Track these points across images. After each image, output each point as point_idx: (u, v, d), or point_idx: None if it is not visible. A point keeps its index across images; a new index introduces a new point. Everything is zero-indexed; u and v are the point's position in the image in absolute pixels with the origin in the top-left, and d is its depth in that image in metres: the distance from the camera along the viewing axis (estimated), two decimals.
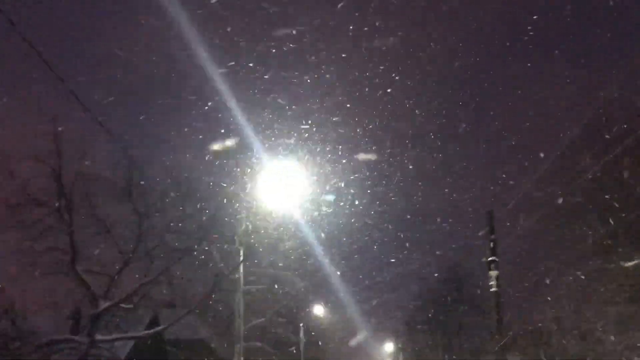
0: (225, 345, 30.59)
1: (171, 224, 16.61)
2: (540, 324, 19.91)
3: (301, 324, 40.52)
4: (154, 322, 33.21)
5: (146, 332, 15.84)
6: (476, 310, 48.46)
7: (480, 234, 22.20)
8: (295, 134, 23.09)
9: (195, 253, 16.70)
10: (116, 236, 16.06)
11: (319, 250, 30.07)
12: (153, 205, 16.58)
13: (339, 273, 39.09)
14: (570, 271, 19.62)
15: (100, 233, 15.73)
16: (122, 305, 15.65)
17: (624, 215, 18.18)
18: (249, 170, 22.59)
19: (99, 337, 14.88)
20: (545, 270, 21.73)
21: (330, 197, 23.01)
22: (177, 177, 16.82)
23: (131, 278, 16.38)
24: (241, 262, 20.28)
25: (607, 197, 18.42)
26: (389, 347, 61.21)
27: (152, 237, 16.61)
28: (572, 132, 19.34)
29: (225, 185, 20.61)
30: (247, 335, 25.11)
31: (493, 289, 20.43)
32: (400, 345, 56.90)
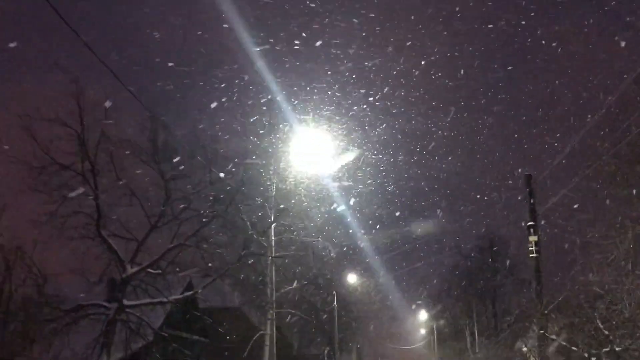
0: (258, 313, 30.30)
1: (198, 188, 15.91)
2: (581, 290, 18.75)
3: (334, 292, 40.02)
4: (188, 290, 33.19)
5: (174, 297, 15.35)
6: (512, 279, 47.52)
7: (519, 198, 21.19)
8: (328, 103, 22.22)
9: (224, 217, 15.98)
10: (142, 200, 15.50)
11: (350, 217, 29.34)
12: (180, 169, 15.91)
13: (370, 240, 38.33)
14: (615, 236, 18.38)
15: (126, 197, 15.16)
16: (150, 270, 15.13)
17: None
18: (280, 134, 21.87)
19: (126, 302, 14.42)
20: (588, 236, 20.52)
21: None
22: (204, 139, 16.08)
23: (159, 243, 15.86)
24: (271, 224, 19.67)
25: None
26: (422, 315, 60.50)
27: (179, 202, 15.98)
28: (617, 90, 17.89)
29: (255, 149, 19.94)
30: (279, 302, 24.66)
31: (533, 255, 19.42)
32: (434, 313, 56.11)
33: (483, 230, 46.19)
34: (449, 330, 53.91)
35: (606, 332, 13.06)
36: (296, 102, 22.88)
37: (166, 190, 15.52)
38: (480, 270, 49.12)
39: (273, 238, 21.53)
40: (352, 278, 42.95)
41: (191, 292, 15.32)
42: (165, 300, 15.13)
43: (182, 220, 15.56)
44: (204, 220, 15.63)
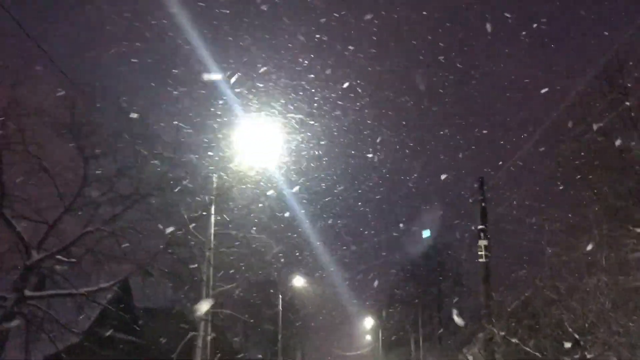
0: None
1: (122, 169, 13.82)
2: (530, 297, 17.45)
3: (279, 295, 38.05)
4: (123, 288, 30.76)
5: (87, 289, 13.15)
6: (458, 287, 46.62)
7: (470, 200, 19.92)
8: (278, 91, 20.49)
9: (149, 202, 13.91)
10: (57, 179, 13.28)
11: (298, 214, 27.51)
12: (102, 146, 13.79)
13: (319, 241, 36.49)
14: (571, 241, 17.12)
15: (36, 173, 12.92)
16: (60, 258, 12.92)
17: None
18: (221, 119, 20.01)
19: (28, 292, 12.19)
20: (544, 240, 19.26)
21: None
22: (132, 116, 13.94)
23: (78, 230, 13.66)
24: (210, 213, 17.74)
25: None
26: (369, 321, 59.07)
27: (99, 183, 13.85)
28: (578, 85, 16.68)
29: (190, 130, 17.97)
30: (219, 302, 22.59)
31: (482, 260, 18.08)
32: (380, 320, 54.74)
33: (434, 236, 45.08)
34: (394, 336, 52.61)
35: (576, 336, 11.64)
36: (241, 90, 21.13)
37: (85, 169, 13.37)
38: (427, 277, 48.16)
39: (212, 230, 19.57)
40: (298, 281, 41.06)
41: (107, 285, 13.13)
42: (74, 292, 12.92)
43: (100, 203, 13.40)
44: (125, 205, 13.50)
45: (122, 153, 14.05)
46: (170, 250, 14.30)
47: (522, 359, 13.74)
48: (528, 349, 12.98)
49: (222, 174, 19.13)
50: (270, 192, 21.31)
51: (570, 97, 15.92)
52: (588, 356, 10.54)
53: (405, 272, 50.22)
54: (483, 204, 18.62)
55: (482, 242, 18.12)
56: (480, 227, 18.26)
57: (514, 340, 13.25)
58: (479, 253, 18.17)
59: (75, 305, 13.15)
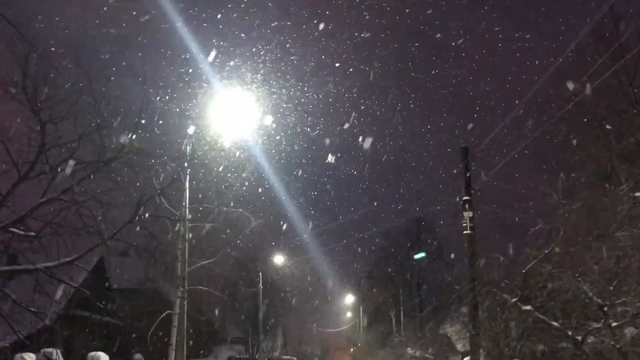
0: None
1: (84, 134, 12.40)
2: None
3: (259, 272, 36.95)
4: (99, 267, 29.39)
5: (44, 264, 11.73)
6: (438, 263, 46.02)
7: (454, 172, 18.90)
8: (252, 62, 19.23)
9: (114, 170, 12.52)
10: (10, 145, 11.84)
11: (277, 186, 26.32)
12: (61, 109, 12.33)
13: (299, 212, 35.32)
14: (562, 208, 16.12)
15: None
16: (14, 230, 11.53)
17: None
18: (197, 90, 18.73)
19: None
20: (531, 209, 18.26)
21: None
22: (96, 75, 12.51)
23: (35, 201, 12.25)
24: (185, 183, 16.56)
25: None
26: (349, 298, 58.38)
27: (58, 148, 12.43)
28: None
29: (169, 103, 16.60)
30: (197, 280, 21.39)
31: (467, 232, 17.13)
32: (360, 296, 54.04)
33: (415, 210, 44.31)
34: (374, 313, 52.00)
35: (599, 301, 10.55)
36: (218, 60, 19.80)
37: (42, 133, 11.94)
38: (407, 253, 47.51)
39: (187, 201, 18.30)
40: (279, 259, 39.95)
41: (67, 260, 11.77)
42: (30, 267, 11.56)
43: (59, 171, 11.99)
44: (87, 172, 12.11)
45: (83, 116, 12.61)
46: (137, 224, 12.93)
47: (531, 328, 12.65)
48: (541, 316, 11.89)
49: (195, 140, 17.91)
50: (247, 165, 20.15)
51: (562, 56, 14.88)
52: (613, 324, 9.50)
53: (386, 248, 49.52)
54: (468, 174, 17.67)
55: (467, 214, 17.18)
56: (464, 198, 17.33)
57: (526, 307, 12.16)
58: (464, 225, 17.28)
59: (34, 284, 11.79)
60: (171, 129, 17.51)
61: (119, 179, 12.75)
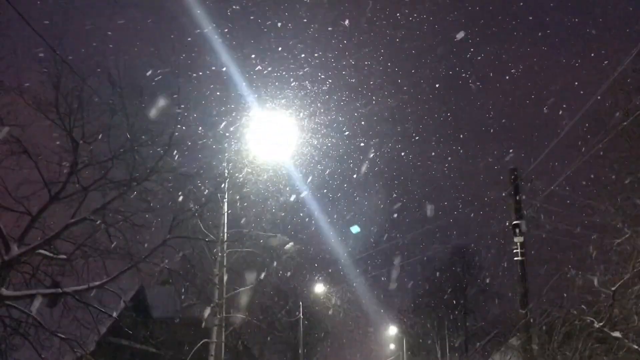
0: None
1: (118, 154, 11.91)
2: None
3: (299, 302, 35.84)
4: (139, 297, 28.98)
5: (74, 288, 11.14)
6: (485, 294, 44.01)
7: (503, 194, 17.71)
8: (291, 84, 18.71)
9: (146, 188, 11.94)
10: (42, 164, 11.43)
11: (315, 212, 25.51)
12: (93, 128, 11.91)
13: (339, 240, 34.19)
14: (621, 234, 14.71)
15: (17, 158, 11.07)
16: (43, 252, 11.00)
17: None
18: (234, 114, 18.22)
19: (5, 292, 10.29)
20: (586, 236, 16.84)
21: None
22: (129, 90, 12.05)
23: (65, 221, 11.76)
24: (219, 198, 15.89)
25: None
26: (392, 330, 56.40)
27: (91, 169, 11.96)
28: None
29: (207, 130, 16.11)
30: (234, 307, 20.67)
31: (517, 258, 15.91)
32: (404, 327, 52.12)
33: (460, 240, 42.60)
34: (419, 345, 49.98)
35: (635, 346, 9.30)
36: (256, 83, 19.31)
37: (74, 152, 11.50)
38: (452, 284, 45.69)
39: (225, 227, 17.66)
40: (319, 287, 38.83)
41: (97, 284, 11.12)
42: (58, 291, 10.98)
43: (90, 190, 11.48)
44: (117, 191, 11.55)
45: (117, 137, 12.16)
46: (171, 245, 12.27)
47: None
48: None
49: (234, 163, 17.36)
50: (286, 188, 19.43)
51: (607, 83, 13.73)
52: None
53: (429, 278, 47.81)
54: (517, 197, 16.53)
55: (518, 239, 16.03)
56: (515, 222, 16.16)
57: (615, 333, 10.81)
58: (514, 251, 16.09)
59: (64, 309, 11.21)
60: (210, 152, 17.00)
61: (152, 201, 12.14)
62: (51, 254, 11.17)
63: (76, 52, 12.02)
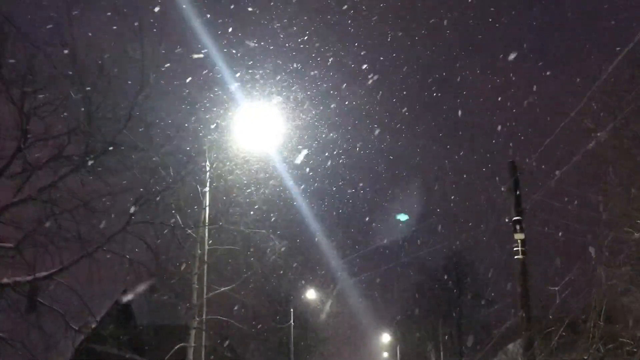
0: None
1: (74, 126, 10.25)
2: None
3: (291, 308, 34.01)
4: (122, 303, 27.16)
5: (15, 279, 9.38)
6: (479, 300, 42.33)
7: (502, 189, 16.11)
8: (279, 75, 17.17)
9: (105, 167, 10.24)
10: None
11: (303, 206, 23.79)
12: (48, 99, 10.26)
13: (328, 239, 32.32)
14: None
15: None
16: None
17: None
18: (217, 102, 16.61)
19: None
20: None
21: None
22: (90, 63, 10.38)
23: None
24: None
25: None
26: (385, 337, 54.48)
27: (44, 144, 10.29)
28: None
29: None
30: (217, 309, 18.94)
31: (518, 257, 14.30)
32: (397, 335, 50.24)
33: (453, 246, 40.85)
34: (412, 353, 48.10)
35: None
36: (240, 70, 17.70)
37: (22, 124, 9.84)
38: (446, 291, 44.00)
39: (207, 221, 16.02)
40: (311, 293, 37.07)
41: (44, 274, 9.39)
42: None
43: (40, 168, 9.80)
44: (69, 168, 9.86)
45: (75, 113, 10.50)
46: (132, 232, 10.55)
47: None
48: None
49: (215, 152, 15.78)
50: (271, 180, 17.76)
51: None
52: None
53: (422, 284, 46.11)
54: (517, 192, 14.94)
55: (519, 236, 14.35)
56: (515, 218, 14.57)
57: None
58: (515, 249, 14.49)
59: (6, 304, 9.48)
60: (189, 139, 15.34)
61: (113, 184, 10.44)
62: None
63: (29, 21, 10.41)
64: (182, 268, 15.85)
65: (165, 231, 11.78)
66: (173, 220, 12.33)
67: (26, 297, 9.47)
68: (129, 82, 10.69)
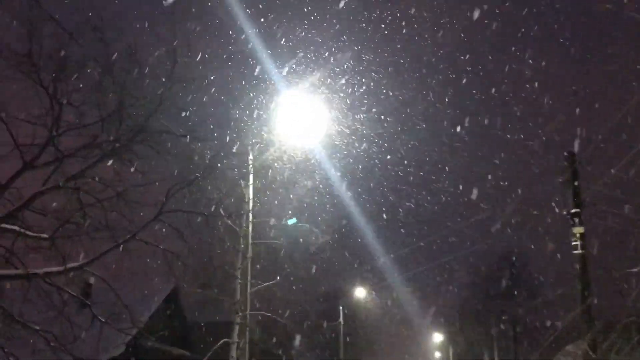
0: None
1: (107, 115, 9.79)
2: None
3: (340, 306, 33.15)
4: (172, 297, 27.02)
5: (45, 270, 9.00)
6: (535, 300, 40.33)
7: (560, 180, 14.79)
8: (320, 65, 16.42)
9: (137, 156, 9.73)
10: (16, 126, 9.42)
11: (347, 200, 22.85)
12: (83, 89, 9.85)
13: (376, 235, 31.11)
14: None
15: None
16: (6, 226, 8.89)
17: None
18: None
19: None
20: None
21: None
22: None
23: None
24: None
25: None
26: (437, 337, 52.74)
27: (77, 133, 9.88)
28: None
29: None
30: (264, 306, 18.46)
31: (577, 251, 13.07)
32: (450, 335, 48.49)
33: (506, 243, 39.02)
34: (466, 353, 46.34)
35: None
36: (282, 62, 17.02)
37: (53, 113, 9.46)
38: (500, 290, 42.10)
39: (251, 214, 15.41)
40: (360, 291, 36.04)
41: (74, 265, 8.96)
42: (21, 273, 8.83)
43: (71, 157, 9.38)
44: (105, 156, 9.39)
45: (107, 103, 10.04)
46: (167, 221, 10.00)
47: None
48: None
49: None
50: (315, 174, 17.01)
51: None
52: None
53: (475, 284, 44.31)
54: (576, 183, 13.63)
55: (578, 230, 13.13)
56: (573, 211, 13.28)
57: None
58: (574, 243, 13.20)
59: (35, 294, 9.09)
60: (233, 134, 14.77)
61: (145, 171, 9.91)
62: (17, 228, 9.05)
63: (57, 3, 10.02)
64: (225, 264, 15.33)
65: (199, 220, 11.14)
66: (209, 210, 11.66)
67: (58, 288, 8.99)
68: (162, 67, 10.12)
